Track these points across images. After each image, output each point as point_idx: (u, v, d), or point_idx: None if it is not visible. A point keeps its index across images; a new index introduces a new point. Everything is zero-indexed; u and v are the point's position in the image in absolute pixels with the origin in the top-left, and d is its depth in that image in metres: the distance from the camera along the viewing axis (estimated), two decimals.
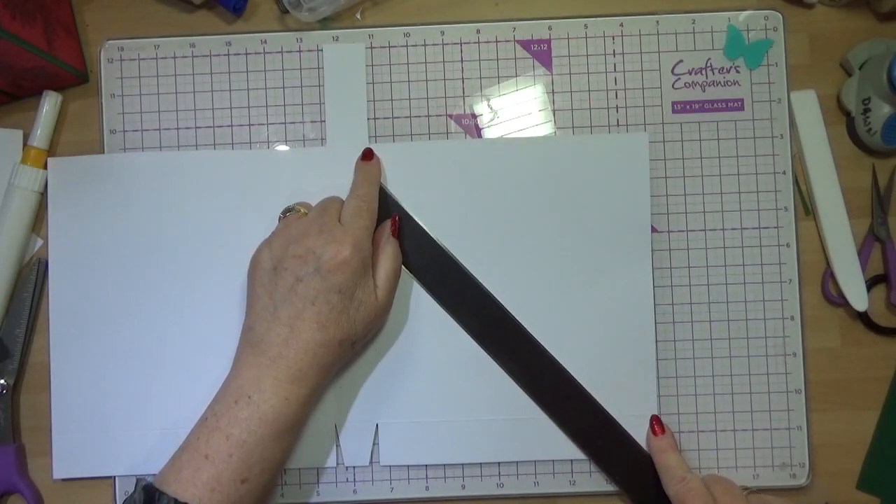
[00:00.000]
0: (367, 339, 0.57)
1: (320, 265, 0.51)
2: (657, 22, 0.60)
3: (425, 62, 0.60)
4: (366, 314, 0.53)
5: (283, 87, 0.60)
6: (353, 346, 0.54)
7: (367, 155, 0.58)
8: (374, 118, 0.60)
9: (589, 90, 0.60)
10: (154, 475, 0.59)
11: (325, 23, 0.61)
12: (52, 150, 0.60)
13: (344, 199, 0.56)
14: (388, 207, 0.58)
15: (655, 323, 0.58)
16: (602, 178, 0.59)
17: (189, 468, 0.49)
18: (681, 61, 0.60)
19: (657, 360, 0.58)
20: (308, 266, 0.51)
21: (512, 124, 0.60)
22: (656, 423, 0.57)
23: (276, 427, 0.50)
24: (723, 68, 0.60)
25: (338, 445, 0.58)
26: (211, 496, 0.48)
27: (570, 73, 0.60)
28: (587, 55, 0.60)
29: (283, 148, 0.60)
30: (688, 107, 0.60)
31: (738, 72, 0.60)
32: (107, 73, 0.60)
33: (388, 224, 0.57)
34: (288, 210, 0.57)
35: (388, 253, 0.56)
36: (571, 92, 0.60)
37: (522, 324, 0.58)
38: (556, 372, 0.58)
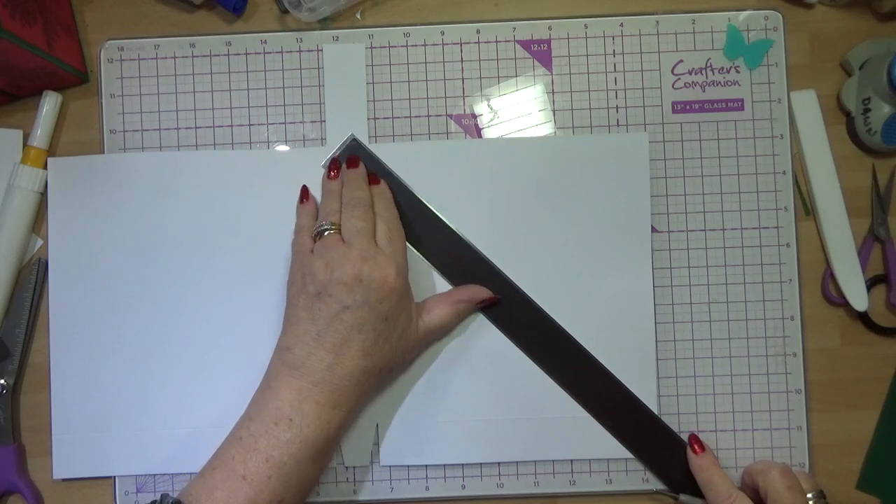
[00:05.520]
0: (403, 368, 0.57)
1: (369, 294, 0.50)
2: (657, 22, 0.60)
3: (425, 62, 0.60)
4: (406, 344, 0.54)
5: (283, 87, 0.60)
6: (391, 372, 0.55)
7: (353, 162, 0.57)
8: (374, 118, 0.60)
9: (589, 90, 0.60)
10: (151, 475, 0.59)
11: (325, 23, 0.61)
12: (52, 150, 0.60)
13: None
14: (408, 203, 0.58)
15: (655, 323, 0.58)
16: (602, 178, 0.59)
17: (223, 488, 0.48)
18: (681, 61, 0.60)
19: (657, 360, 0.58)
20: (356, 294, 0.50)
21: (512, 124, 0.60)
22: (695, 442, 0.57)
23: (315, 449, 0.50)
24: (723, 68, 0.60)
25: (338, 445, 0.58)
26: None
27: (570, 73, 0.60)
28: (587, 55, 0.60)
29: (283, 148, 0.60)
30: (688, 107, 0.60)
31: (738, 72, 0.60)
32: (107, 73, 0.60)
33: (475, 291, 0.57)
34: (320, 231, 0.53)
35: (446, 317, 0.56)
36: (571, 92, 0.60)
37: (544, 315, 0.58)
38: (590, 365, 0.58)
